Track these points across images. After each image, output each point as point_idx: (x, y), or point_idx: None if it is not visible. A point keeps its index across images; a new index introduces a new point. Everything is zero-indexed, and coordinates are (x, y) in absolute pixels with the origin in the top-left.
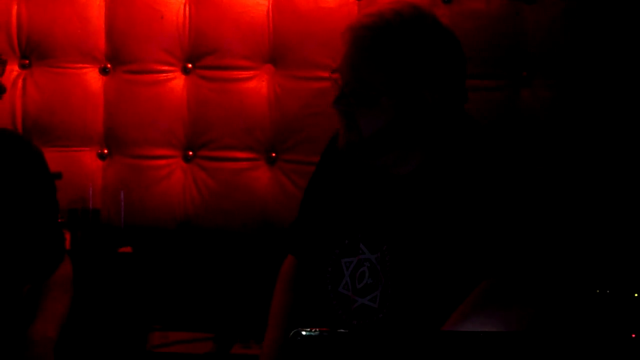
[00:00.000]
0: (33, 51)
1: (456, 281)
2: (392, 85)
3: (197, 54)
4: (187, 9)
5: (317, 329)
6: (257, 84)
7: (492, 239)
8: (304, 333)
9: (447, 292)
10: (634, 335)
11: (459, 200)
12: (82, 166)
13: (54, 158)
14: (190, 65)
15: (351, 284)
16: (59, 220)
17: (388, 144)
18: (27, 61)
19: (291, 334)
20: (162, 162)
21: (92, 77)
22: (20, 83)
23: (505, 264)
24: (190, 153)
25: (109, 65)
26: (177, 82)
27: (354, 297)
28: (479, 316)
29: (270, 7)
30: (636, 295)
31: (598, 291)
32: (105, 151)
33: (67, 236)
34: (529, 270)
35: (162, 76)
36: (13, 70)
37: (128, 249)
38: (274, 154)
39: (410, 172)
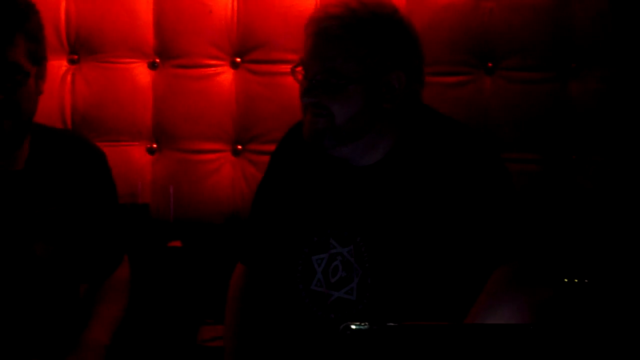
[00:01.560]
0: (82, 46)
1: (437, 268)
2: (362, 72)
3: (245, 48)
4: (236, 2)
5: (366, 323)
6: None
7: (491, 226)
8: (353, 327)
9: (427, 278)
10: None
11: (432, 185)
12: (132, 161)
13: None
14: (238, 60)
15: (324, 280)
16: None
17: (361, 129)
18: (76, 56)
19: (341, 327)
20: (211, 156)
21: (141, 72)
22: (69, 78)
23: (512, 250)
24: (240, 147)
25: (157, 60)
26: (225, 76)
27: (328, 292)
28: (505, 305)
29: (318, 0)
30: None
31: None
32: (155, 146)
33: None
34: (538, 253)
35: (211, 70)
36: (62, 65)
37: (177, 244)
38: None
39: (375, 162)
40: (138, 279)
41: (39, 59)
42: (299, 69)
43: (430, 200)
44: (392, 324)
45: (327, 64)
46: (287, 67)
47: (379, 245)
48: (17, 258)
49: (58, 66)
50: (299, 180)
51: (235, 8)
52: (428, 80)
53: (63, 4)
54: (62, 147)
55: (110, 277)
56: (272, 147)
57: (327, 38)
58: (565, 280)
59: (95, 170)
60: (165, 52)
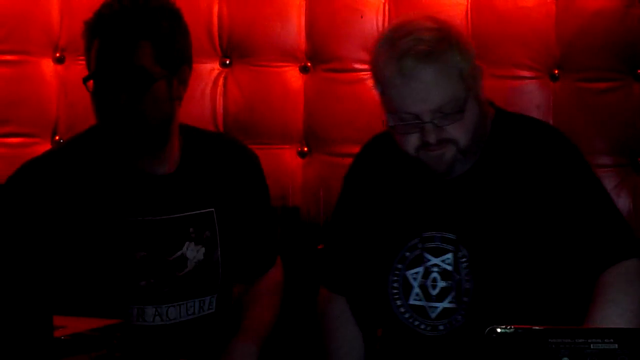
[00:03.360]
0: (234, 50)
1: (536, 268)
2: (468, 89)
3: None
4: (387, 7)
5: (512, 326)
6: None
7: (593, 225)
8: (499, 330)
9: (527, 280)
10: None
11: (524, 187)
12: (283, 164)
13: None
14: None
15: (423, 293)
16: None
17: (479, 142)
18: (228, 60)
19: (486, 331)
20: None
21: (293, 76)
22: (221, 81)
23: (621, 249)
24: None
25: (309, 64)
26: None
27: (431, 305)
28: (625, 307)
29: (469, 6)
30: None
31: None
32: (305, 149)
33: None
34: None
35: (362, 75)
36: (214, 68)
37: None
38: None
39: (465, 172)
40: (289, 281)
41: (174, 64)
42: (399, 126)
43: (523, 201)
44: (537, 327)
45: (449, 93)
46: None
47: (478, 252)
48: (169, 259)
49: (210, 69)
50: (383, 196)
51: (387, 11)
52: (579, 86)
53: (216, 9)
54: (215, 149)
55: (265, 279)
56: None
57: (441, 68)
58: None
59: (249, 172)
60: (317, 56)
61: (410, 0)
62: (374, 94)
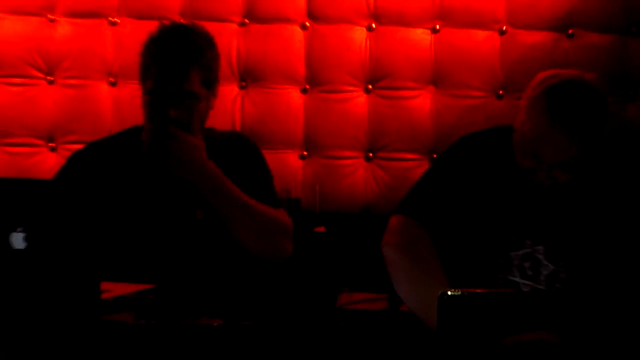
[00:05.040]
0: (249, 75)
1: (615, 263)
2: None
3: (375, 77)
4: (368, 42)
5: (461, 290)
6: (422, 101)
7: None
8: (449, 293)
9: (607, 277)
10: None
11: (604, 194)
12: (287, 165)
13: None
14: (370, 86)
15: (519, 272)
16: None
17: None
18: (244, 83)
19: (439, 295)
20: (348, 161)
21: (295, 96)
22: (239, 100)
23: None
24: (370, 154)
25: (307, 86)
26: (360, 99)
27: (524, 282)
28: None
29: (432, 40)
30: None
31: None
32: (305, 153)
33: None
34: None
35: (349, 95)
36: (234, 90)
37: (322, 229)
38: (435, 155)
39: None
40: (292, 256)
41: (212, 83)
42: (539, 166)
43: (605, 206)
44: (480, 291)
45: (582, 151)
46: (407, 93)
47: (570, 246)
48: (183, 221)
49: (230, 90)
50: (479, 185)
51: (368, 46)
52: (519, 103)
53: (235, 43)
54: (227, 140)
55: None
56: (395, 155)
57: (592, 133)
58: None
59: (249, 148)
60: (314, 80)
61: (386, 37)
62: (358, 110)
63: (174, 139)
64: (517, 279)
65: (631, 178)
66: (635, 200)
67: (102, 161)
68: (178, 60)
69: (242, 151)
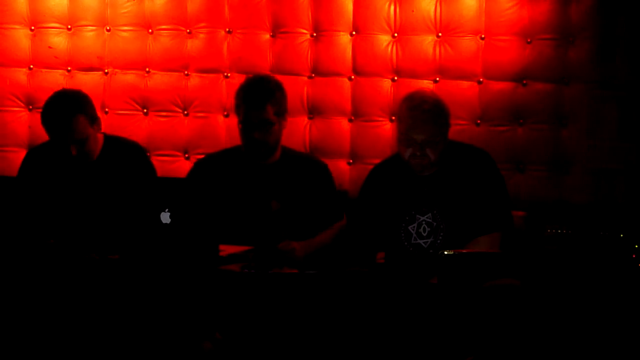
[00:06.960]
0: (314, 110)
1: (473, 225)
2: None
3: (397, 112)
4: (392, 89)
5: (454, 251)
6: None
7: (495, 204)
8: (446, 253)
9: (469, 231)
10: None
11: (466, 181)
12: (339, 168)
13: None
14: (393, 118)
15: (417, 236)
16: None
17: (441, 160)
18: (311, 116)
19: (438, 253)
20: (370, 167)
21: (344, 124)
22: (307, 127)
23: (502, 221)
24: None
25: (352, 117)
26: (387, 126)
27: (424, 242)
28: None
29: (434, 88)
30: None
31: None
32: (350, 161)
33: None
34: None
35: (379, 123)
36: (304, 120)
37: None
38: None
39: (432, 173)
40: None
41: (282, 114)
42: (414, 148)
43: (464, 190)
44: (471, 251)
45: (439, 130)
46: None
47: (444, 214)
48: (260, 211)
49: (302, 120)
50: (390, 186)
51: (392, 91)
52: (491, 129)
53: (305, 89)
54: (304, 160)
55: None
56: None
57: (440, 119)
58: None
59: (320, 172)
60: (357, 113)
61: (404, 85)
62: (384, 133)
63: (284, 252)
64: (419, 241)
65: (477, 167)
66: (480, 178)
67: (216, 166)
68: (258, 99)
69: (316, 174)
